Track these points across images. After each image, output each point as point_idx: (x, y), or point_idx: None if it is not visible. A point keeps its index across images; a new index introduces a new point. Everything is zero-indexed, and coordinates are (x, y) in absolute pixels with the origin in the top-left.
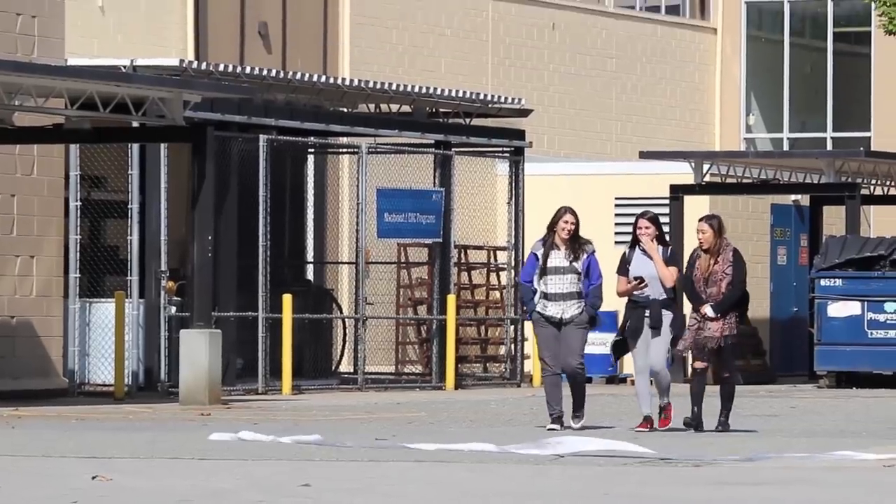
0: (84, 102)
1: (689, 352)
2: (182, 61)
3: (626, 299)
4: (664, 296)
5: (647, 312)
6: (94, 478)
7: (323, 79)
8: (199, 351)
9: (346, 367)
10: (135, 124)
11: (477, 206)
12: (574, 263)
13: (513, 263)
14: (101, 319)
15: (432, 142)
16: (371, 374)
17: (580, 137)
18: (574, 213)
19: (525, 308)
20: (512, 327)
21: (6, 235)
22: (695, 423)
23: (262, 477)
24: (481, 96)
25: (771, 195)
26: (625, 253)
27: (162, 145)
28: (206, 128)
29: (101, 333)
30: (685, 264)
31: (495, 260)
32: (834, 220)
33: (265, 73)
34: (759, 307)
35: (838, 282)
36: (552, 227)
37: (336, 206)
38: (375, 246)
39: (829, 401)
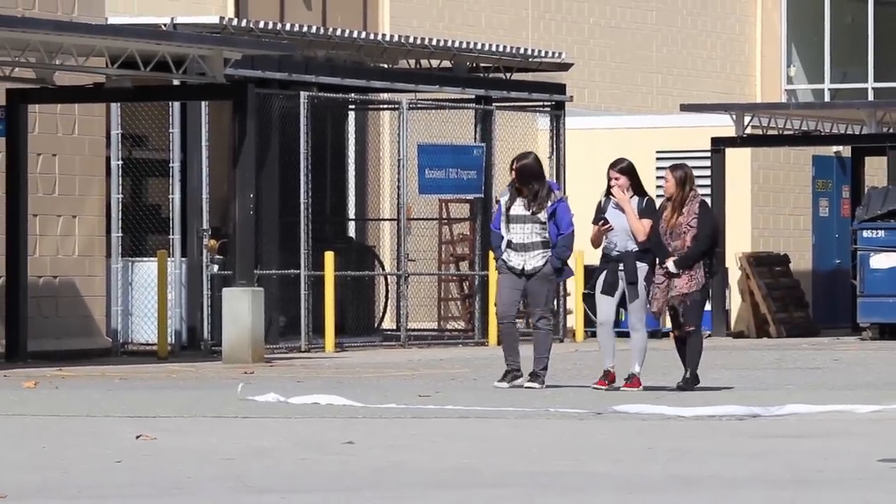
0: (125, 61)
1: (663, 312)
2: (222, 18)
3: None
4: (637, 247)
5: (621, 266)
6: (137, 437)
7: (363, 35)
8: (241, 309)
9: (388, 323)
10: (175, 82)
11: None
12: (536, 213)
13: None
14: (143, 279)
15: (473, 97)
16: (413, 330)
17: (621, 91)
18: (526, 160)
19: (494, 253)
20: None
21: (48, 195)
22: (689, 386)
23: (307, 435)
24: (521, 50)
25: (812, 147)
26: (600, 202)
27: (203, 103)
28: (246, 85)
29: (144, 293)
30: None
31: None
32: (876, 171)
33: (305, 29)
34: (802, 259)
35: (881, 233)
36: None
37: (377, 162)
38: (417, 202)
39: (873, 353)
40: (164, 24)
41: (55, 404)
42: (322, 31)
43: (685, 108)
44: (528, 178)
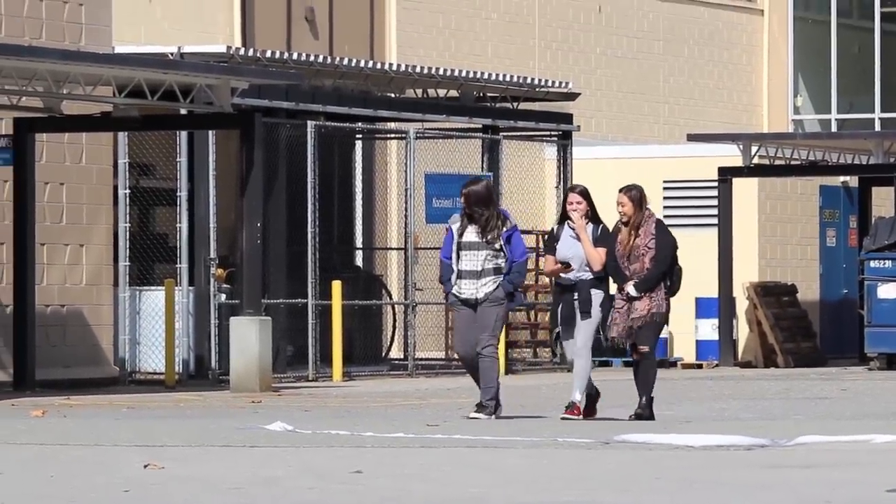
0: (132, 90)
1: (622, 338)
2: (229, 48)
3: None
4: (592, 276)
5: (576, 295)
6: (145, 466)
7: (370, 64)
8: (249, 338)
9: (396, 353)
10: (183, 111)
11: (525, 191)
12: (491, 242)
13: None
14: (151, 307)
15: (480, 126)
16: (421, 359)
17: (628, 120)
18: (477, 186)
19: (443, 285)
20: None
21: (56, 224)
22: (646, 414)
23: (315, 464)
24: (528, 80)
25: (819, 177)
26: (552, 230)
27: (210, 132)
28: (253, 114)
29: (152, 321)
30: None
31: (544, 244)
32: (883, 200)
33: (312, 58)
34: (809, 289)
35: (888, 263)
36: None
37: (384, 191)
38: (424, 231)
39: (881, 383)
40: (171, 54)
41: (63, 433)
42: (329, 60)
43: (692, 137)
44: (477, 203)
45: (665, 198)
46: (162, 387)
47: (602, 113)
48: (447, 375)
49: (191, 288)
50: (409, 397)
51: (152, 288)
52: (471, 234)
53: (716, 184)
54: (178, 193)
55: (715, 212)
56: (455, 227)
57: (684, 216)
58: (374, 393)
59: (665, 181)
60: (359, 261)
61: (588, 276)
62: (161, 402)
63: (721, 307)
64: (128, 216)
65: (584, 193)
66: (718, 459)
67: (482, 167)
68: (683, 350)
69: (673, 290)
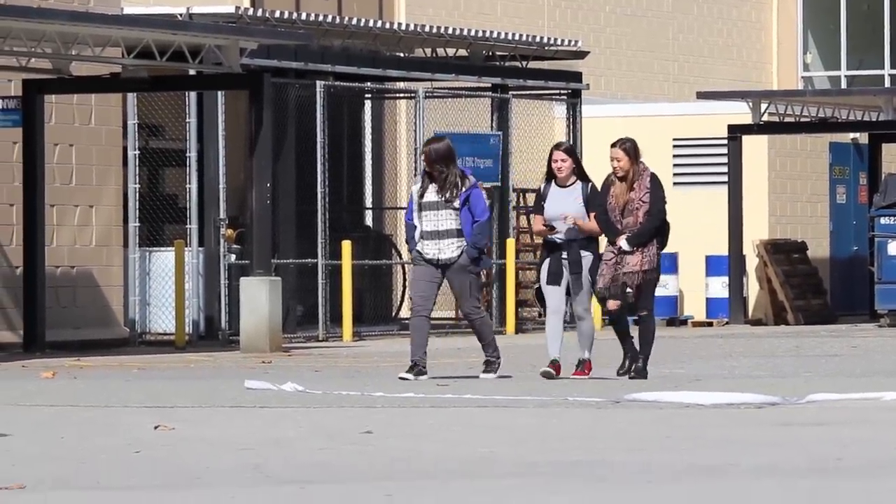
0: (141, 51)
1: (606, 290)
2: (238, 8)
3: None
4: (581, 235)
5: (565, 254)
6: (156, 427)
7: (379, 24)
8: (259, 298)
9: (405, 312)
10: (192, 72)
11: (535, 150)
12: (450, 200)
13: None
14: (160, 268)
15: (489, 85)
16: (431, 319)
17: (637, 78)
18: (438, 143)
19: (408, 245)
20: None
21: (65, 185)
22: (635, 371)
23: (325, 425)
24: (537, 39)
25: (829, 133)
26: (540, 188)
27: (219, 93)
28: (262, 75)
29: (161, 282)
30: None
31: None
32: (893, 157)
33: (321, 18)
34: (819, 247)
35: None
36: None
37: (394, 151)
38: None
39: (891, 340)
40: (180, 14)
41: (73, 395)
42: (338, 20)
43: (701, 95)
44: (437, 161)
45: (675, 156)
46: (172, 348)
47: (612, 71)
48: (457, 335)
49: (200, 248)
50: None
51: (162, 249)
52: (431, 194)
53: (726, 141)
54: (188, 154)
55: (725, 169)
56: (416, 187)
57: (694, 174)
58: (385, 353)
59: (675, 139)
60: (368, 220)
61: (578, 235)
62: (171, 363)
63: (731, 265)
64: (137, 177)
65: (570, 150)
66: (729, 417)
67: (491, 126)
68: (694, 308)
69: (664, 244)
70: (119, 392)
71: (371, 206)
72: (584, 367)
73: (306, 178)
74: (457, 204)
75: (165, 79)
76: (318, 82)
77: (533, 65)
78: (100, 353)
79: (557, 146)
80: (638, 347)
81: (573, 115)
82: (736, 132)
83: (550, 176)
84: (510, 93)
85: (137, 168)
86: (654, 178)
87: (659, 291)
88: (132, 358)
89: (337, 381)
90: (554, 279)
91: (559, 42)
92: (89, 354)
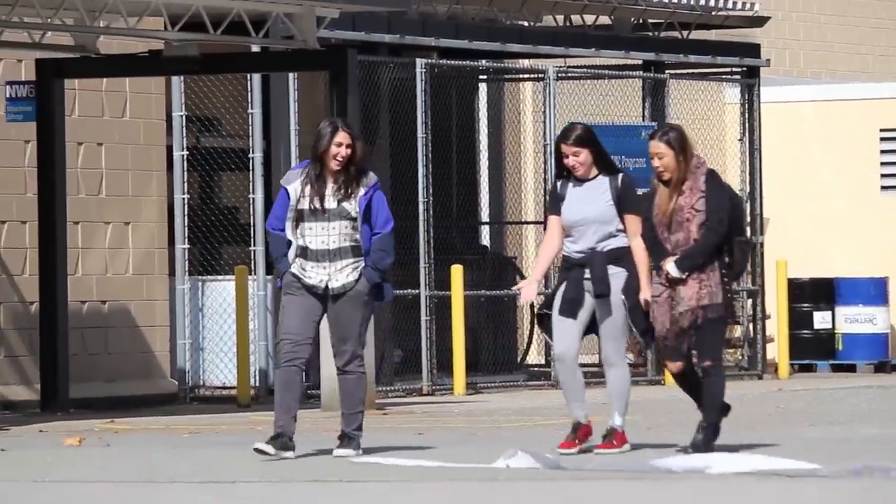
0: (189, 22)
1: (672, 341)
2: None
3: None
4: (610, 245)
5: (587, 273)
6: None
7: None
8: None
9: (534, 357)
10: (255, 49)
11: (700, 144)
12: (344, 204)
13: (748, 217)
14: (217, 303)
15: (640, 63)
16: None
17: (832, 52)
18: (350, 131)
19: (276, 266)
20: (750, 301)
21: (93, 196)
22: (705, 442)
23: None
24: (702, 2)
25: None
26: (555, 185)
27: (290, 75)
28: (346, 51)
29: (219, 321)
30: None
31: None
32: None
33: None
34: None
35: None
36: (317, 154)
37: (517, 148)
38: None
39: None
40: None
41: (107, 467)
42: None
43: None
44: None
45: (882, 151)
46: (233, 405)
47: (799, 43)
48: (601, 385)
49: (268, 277)
50: (551, 415)
51: (219, 278)
52: (317, 199)
53: None
54: (251, 155)
55: None
56: (291, 187)
57: None
58: (507, 409)
59: (882, 129)
60: (485, 239)
61: (604, 245)
62: (232, 426)
63: None
64: (186, 185)
65: (583, 140)
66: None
67: (643, 115)
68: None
69: (736, 270)
70: (164, 463)
71: (489, 220)
72: (612, 437)
73: (404, 183)
74: (353, 212)
75: (221, 58)
76: (418, 60)
77: (696, 35)
78: (140, 413)
79: (564, 136)
80: (701, 413)
81: (749, 99)
82: None
83: (561, 172)
84: (667, 72)
85: (186, 173)
86: (711, 176)
87: (864, 328)
88: (181, 419)
89: (446, 448)
90: (569, 308)
91: (731, 5)
92: (126, 415)
